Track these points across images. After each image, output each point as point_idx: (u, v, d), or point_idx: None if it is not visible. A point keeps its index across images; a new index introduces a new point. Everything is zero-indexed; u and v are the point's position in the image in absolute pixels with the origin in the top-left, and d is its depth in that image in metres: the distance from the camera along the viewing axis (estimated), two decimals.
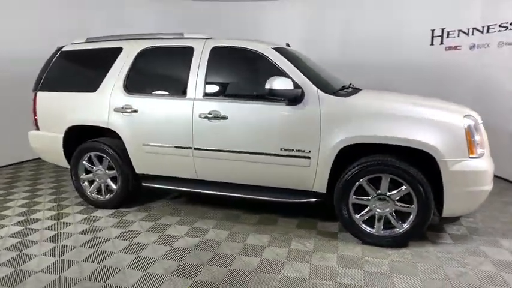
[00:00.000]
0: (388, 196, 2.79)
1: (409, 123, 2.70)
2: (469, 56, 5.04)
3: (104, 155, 3.57)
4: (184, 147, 3.27)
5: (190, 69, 3.27)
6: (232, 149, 3.13)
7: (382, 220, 2.85)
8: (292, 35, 6.21)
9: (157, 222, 3.36)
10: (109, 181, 3.66)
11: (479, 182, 2.67)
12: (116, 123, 3.46)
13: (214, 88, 3.27)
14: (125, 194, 3.62)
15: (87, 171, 3.71)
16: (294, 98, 2.90)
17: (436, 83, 5.38)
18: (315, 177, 2.97)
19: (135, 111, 3.39)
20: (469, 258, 2.68)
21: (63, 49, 3.86)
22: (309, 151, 2.92)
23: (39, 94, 3.79)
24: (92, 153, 3.61)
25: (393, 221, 2.83)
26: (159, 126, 3.33)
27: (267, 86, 2.83)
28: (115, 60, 3.56)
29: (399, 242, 2.83)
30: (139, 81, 3.54)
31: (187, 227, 3.22)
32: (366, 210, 2.88)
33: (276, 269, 2.51)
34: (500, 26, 4.56)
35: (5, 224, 3.31)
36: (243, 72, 3.38)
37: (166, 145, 3.33)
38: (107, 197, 3.69)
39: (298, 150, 2.94)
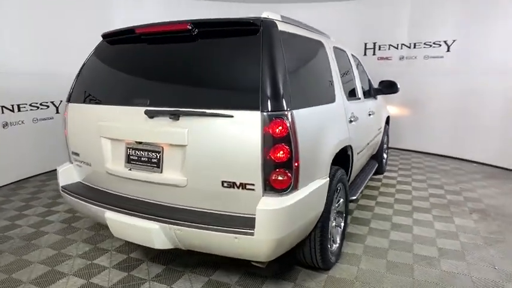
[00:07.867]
0: None
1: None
2: (398, 65, 6.37)
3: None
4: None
5: (354, 73, 3.55)
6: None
7: None
8: None
9: None
10: (340, 221, 2.84)
11: None
12: (352, 137, 2.89)
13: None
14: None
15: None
16: None
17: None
18: None
19: (357, 118, 3.09)
20: None
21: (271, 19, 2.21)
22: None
23: (298, 116, 2.02)
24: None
25: None
26: (364, 130, 3.42)
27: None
28: (326, 57, 2.79)
29: None
30: (343, 83, 3.11)
31: None
32: None
33: None
34: (424, 43, 6.22)
35: None
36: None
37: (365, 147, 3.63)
38: (334, 246, 2.69)
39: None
